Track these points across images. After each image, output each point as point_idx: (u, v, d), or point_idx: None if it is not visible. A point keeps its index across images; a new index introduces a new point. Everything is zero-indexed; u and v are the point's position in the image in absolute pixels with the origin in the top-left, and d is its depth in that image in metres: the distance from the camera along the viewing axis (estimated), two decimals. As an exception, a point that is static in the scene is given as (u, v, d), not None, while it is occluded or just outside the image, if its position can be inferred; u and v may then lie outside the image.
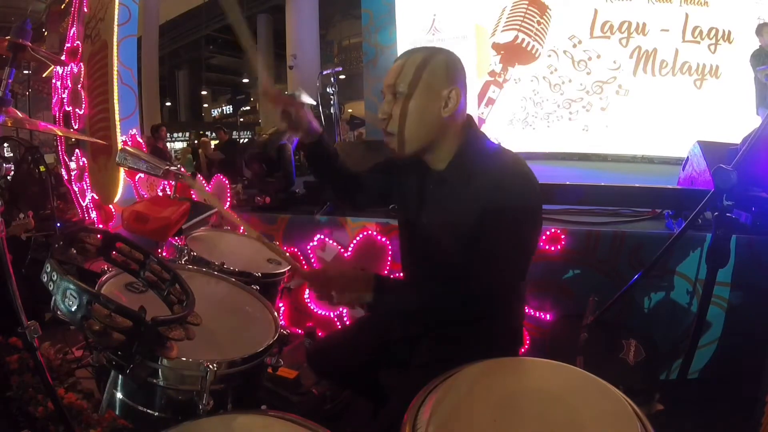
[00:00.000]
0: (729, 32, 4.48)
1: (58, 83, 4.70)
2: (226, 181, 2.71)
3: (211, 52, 18.38)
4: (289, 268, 1.82)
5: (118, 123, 3.56)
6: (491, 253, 1.02)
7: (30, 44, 1.25)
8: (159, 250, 1.92)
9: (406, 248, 1.30)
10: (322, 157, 1.26)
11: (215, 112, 23.55)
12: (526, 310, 1.89)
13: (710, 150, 2.02)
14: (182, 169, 1.87)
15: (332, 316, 2.23)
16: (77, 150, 4.33)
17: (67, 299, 0.79)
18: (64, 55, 4.27)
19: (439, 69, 1.06)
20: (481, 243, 1.02)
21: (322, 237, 2.24)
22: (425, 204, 1.17)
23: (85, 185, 4.25)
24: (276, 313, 1.29)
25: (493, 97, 5.63)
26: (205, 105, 23.93)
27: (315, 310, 2.24)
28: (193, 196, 2.69)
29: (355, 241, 2.15)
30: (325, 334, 2.18)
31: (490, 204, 1.01)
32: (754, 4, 4.28)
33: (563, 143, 5.39)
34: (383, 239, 2.09)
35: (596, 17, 5.09)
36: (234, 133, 15.60)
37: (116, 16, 3.54)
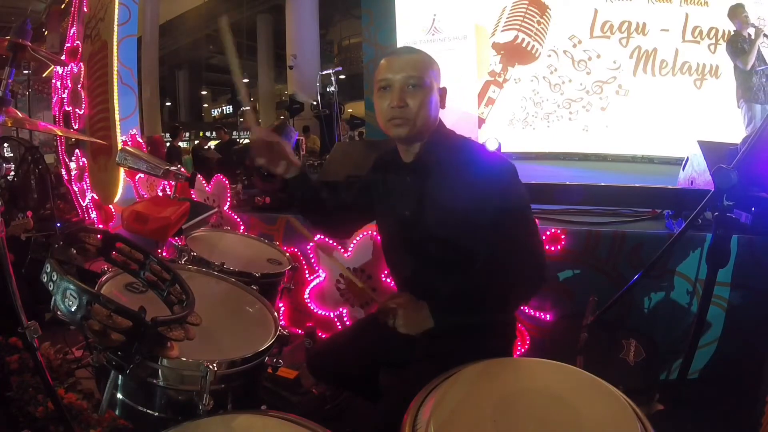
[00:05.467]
0: (729, 32, 4.47)
1: (58, 83, 4.70)
2: (226, 181, 2.71)
3: (211, 52, 18.35)
4: (289, 268, 1.83)
5: (118, 123, 3.56)
6: (519, 229, 1.09)
7: (30, 44, 1.25)
8: (159, 250, 1.92)
9: (397, 248, 1.31)
10: (307, 191, 1.28)
11: (215, 112, 23.50)
12: (526, 310, 1.90)
13: (710, 150, 2.01)
14: (182, 169, 1.88)
15: (332, 316, 2.23)
16: (77, 150, 4.32)
17: (67, 299, 0.79)
18: (64, 55, 4.27)
19: (437, 69, 1.19)
20: (506, 222, 1.08)
21: (322, 237, 2.23)
22: (408, 196, 1.21)
23: (85, 185, 4.25)
24: (276, 313, 1.29)
25: (493, 97, 5.63)
26: (205, 105, 23.90)
27: (315, 310, 2.24)
28: (193, 196, 2.69)
29: (355, 241, 2.15)
30: (325, 334, 2.18)
31: (483, 184, 1.09)
32: (753, 4, 4.28)
33: (563, 143, 5.39)
34: (383, 239, 2.08)
35: (596, 17, 5.09)
36: (234, 133, 15.56)
37: (116, 16, 3.54)
